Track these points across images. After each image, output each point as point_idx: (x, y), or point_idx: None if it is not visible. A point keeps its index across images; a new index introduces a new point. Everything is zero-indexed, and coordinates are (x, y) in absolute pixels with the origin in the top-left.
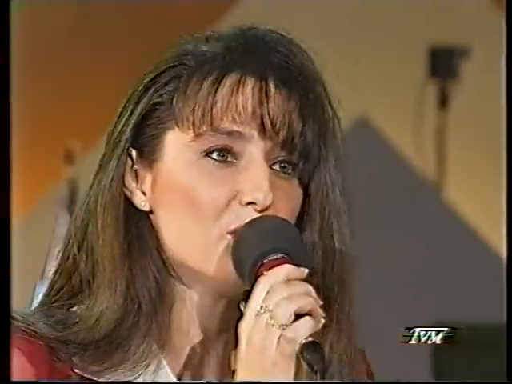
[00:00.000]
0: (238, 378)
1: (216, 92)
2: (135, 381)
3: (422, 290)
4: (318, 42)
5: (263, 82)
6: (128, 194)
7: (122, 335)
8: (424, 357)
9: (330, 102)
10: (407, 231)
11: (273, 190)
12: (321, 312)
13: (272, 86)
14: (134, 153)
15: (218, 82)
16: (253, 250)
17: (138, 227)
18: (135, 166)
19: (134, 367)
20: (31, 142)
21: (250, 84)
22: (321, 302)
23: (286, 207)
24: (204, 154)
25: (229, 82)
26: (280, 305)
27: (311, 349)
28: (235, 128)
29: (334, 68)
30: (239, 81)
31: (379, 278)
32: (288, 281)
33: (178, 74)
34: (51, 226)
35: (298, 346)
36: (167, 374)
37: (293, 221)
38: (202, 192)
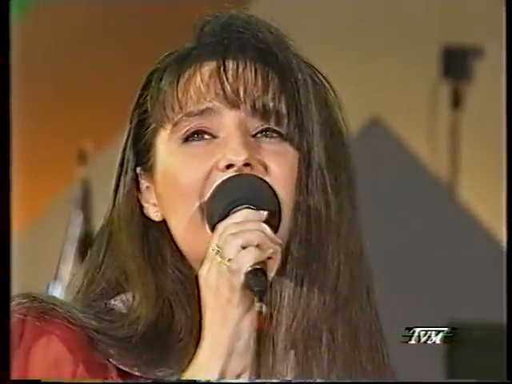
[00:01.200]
0: (206, 323)
1: (178, 80)
2: (171, 377)
3: (433, 290)
4: (331, 43)
5: (220, 61)
6: (144, 210)
7: (159, 333)
8: (429, 356)
9: (300, 68)
10: (420, 231)
11: (262, 151)
12: (271, 244)
13: (230, 61)
14: (138, 170)
15: (181, 72)
16: (218, 205)
17: (155, 238)
18: (143, 182)
19: (170, 363)
20: (44, 142)
21: (208, 65)
22: (278, 240)
23: (281, 168)
24: (182, 140)
25: (188, 69)
26: (226, 241)
27: (253, 274)
28: (204, 106)
29: (348, 68)
30: (199, 66)
31: (389, 277)
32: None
33: (151, 78)
34: (64, 227)
35: (243, 277)
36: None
37: (290, 180)
38: (183, 176)
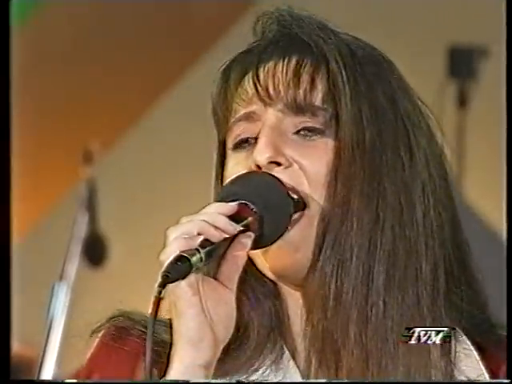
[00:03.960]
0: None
1: (227, 85)
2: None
3: None
4: None
5: (257, 63)
6: None
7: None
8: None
9: (345, 69)
10: None
11: (297, 148)
12: (216, 233)
13: (267, 62)
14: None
15: (229, 76)
16: (218, 200)
17: None
18: None
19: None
20: (50, 142)
21: (250, 70)
22: (231, 230)
23: (312, 162)
24: (234, 146)
25: (233, 74)
26: (167, 233)
27: (171, 260)
28: (247, 109)
29: None
30: (244, 70)
31: None
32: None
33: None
34: (70, 227)
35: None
36: (288, 359)
37: (324, 175)
38: (229, 177)
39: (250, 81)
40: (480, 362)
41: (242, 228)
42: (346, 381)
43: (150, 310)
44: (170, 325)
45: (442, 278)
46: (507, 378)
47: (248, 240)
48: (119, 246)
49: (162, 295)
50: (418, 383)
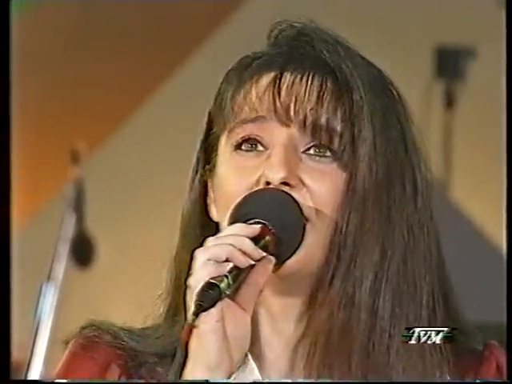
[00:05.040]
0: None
1: (237, 89)
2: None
3: None
4: None
5: (278, 73)
6: (208, 208)
7: None
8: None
9: (364, 88)
10: None
11: (308, 171)
12: (242, 258)
13: (287, 75)
14: (207, 168)
15: (241, 81)
16: (235, 217)
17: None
18: (209, 181)
19: None
20: (37, 143)
21: (266, 77)
22: (257, 255)
23: (322, 187)
24: (234, 147)
25: (248, 79)
26: (195, 256)
27: (202, 287)
28: (258, 114)
29: None
30: (257, 77)
31: None
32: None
33: (222, 80)
34: (58, 227)
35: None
36: (252, 366)
37: (332, 201)
38: (230, 185)
39: (270, 94)
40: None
41: (265, 254)
42: (346, 381)
43: (182, 338)
44: (136, 333)
45: (439, 310)
46: (507, 379)
47: (270, 265)
48: (107, 247)
49: (196, 324)
50: (417, 383)
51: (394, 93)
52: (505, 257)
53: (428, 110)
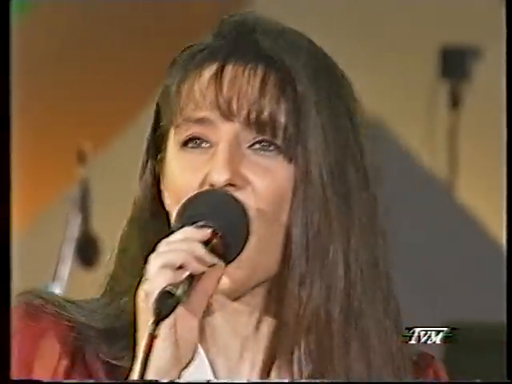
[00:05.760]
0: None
1: (180, 83)
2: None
3: (433, 290)
4: (328, 43)
5: (220, 66)
6: (161, 194)
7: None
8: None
9: (308, 79)
10: (419, 231)
11: (252, 167)
12: (197, 265)
13: (230, 68)
14: (158, 157)
15: (184, 74)
16: (179, 219)
17: (160, 228)
18: (162, 173)
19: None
20: (43, 143)
21: (209, 70)
22: (209, 261)
23: (267, 183)
24: (181, 144)
25: (191, 72)
26: (149, 261)
27: (159, 296)
28: (201, 114)
29: (346, 69)
30: (200, 70)
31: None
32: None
33: (167, 72)
34: (63, 227)
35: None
36: (207, 367)
37: (278, 198)
38: (178, 182)
39: (212, 88)
40: None
41: (216, 260)
42: (345, 381)
43: (144, 347)
44: (80, 306)
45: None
46: (507, 379)
47: (219, 271)
48: (112, 247)
49: (155, 332)
50: (417, 383)
51: (340, 76)
52: (505, 256)
53: (433, 110)
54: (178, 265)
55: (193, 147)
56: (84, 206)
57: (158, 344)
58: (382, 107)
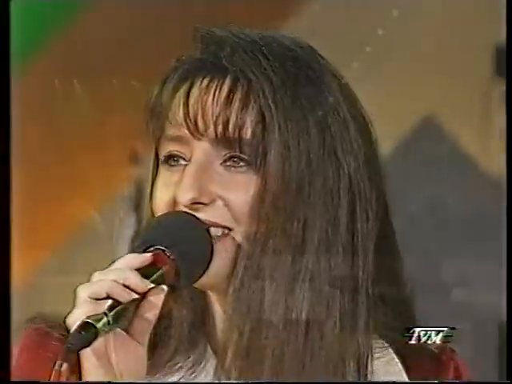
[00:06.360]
0: None
1: (160, 99)
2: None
3: (433, 290)
4: (383, 43)
5: (189, 84)
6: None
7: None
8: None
9: (275, 103)
10: (476, 233)
11: (223, 183)
12: (125, 294)
13: (197, 86)
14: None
15: (161, 91)
16: (137, 244)
17: None
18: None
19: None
20: (97, 143)
21: (183, 89)
22: (140, 289)
23: (240, 199)
24: (162, 161)
25: (166, 91)
26: (77, 292)
27: (75, 329)
28: (176, 133)
29: (400, 68)
30: (178, 88)
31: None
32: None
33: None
34: (117, 228)
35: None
36: (212, 358)
37: (245, 214)
38: (156, 198)
39: (180, 108)
40: (403, 372)
41: (152, 285)
42: (341, 381)
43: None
44: None
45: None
46: (507, 379)
47: (160, 296)
48: None
49: (62, 368)
50: (416, 383)
51: (322, 86)
52: (505, 257)
53: (488, 108)
54: (103, 295)
55: (171, 165)
56: (138, 206)
57: (91, 375)
58: (436, 106)
